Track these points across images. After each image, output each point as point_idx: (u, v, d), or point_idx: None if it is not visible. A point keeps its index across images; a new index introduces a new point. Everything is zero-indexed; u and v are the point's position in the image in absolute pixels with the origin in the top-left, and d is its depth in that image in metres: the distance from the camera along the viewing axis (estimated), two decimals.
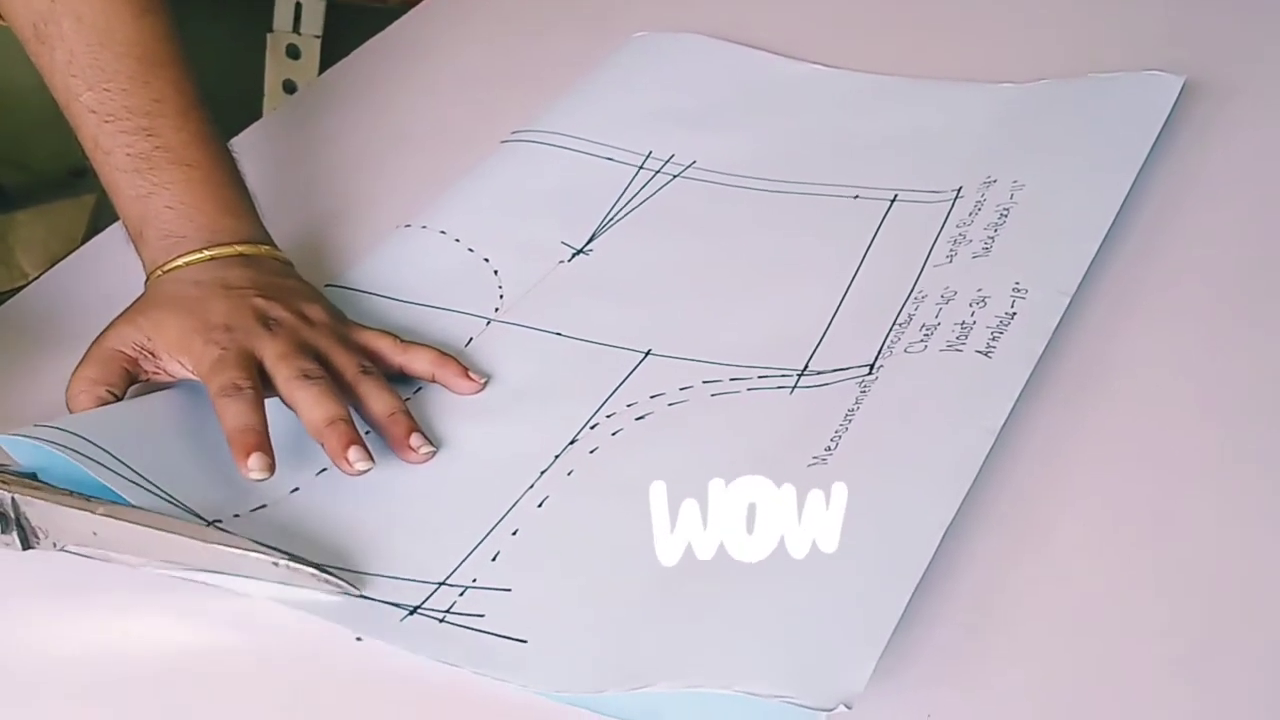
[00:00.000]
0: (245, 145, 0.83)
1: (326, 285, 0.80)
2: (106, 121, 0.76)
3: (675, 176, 0.88)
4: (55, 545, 0.64)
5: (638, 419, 0.71)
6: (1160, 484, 0.65)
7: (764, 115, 0.93)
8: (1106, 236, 0.77)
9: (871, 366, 0.71)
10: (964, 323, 0.71)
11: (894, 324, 0.73)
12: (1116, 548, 0.63)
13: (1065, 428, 0.68)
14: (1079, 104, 0.89)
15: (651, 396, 0.72)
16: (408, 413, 0.71)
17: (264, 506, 0.67)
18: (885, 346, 0.72)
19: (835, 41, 0.99)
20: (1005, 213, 0.79)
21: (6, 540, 0.63)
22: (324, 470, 0.69)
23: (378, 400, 0.71)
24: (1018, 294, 0.72)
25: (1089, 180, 0.81)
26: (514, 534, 0.65)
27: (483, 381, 0.74)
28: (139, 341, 0.72)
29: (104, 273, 0.82)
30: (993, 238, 0.77)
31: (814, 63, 0.97)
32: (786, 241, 0.82)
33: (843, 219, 0.83)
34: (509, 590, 0.63)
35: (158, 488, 0.66)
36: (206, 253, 0.75)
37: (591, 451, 0.69)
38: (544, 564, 0.64)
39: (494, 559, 0.64)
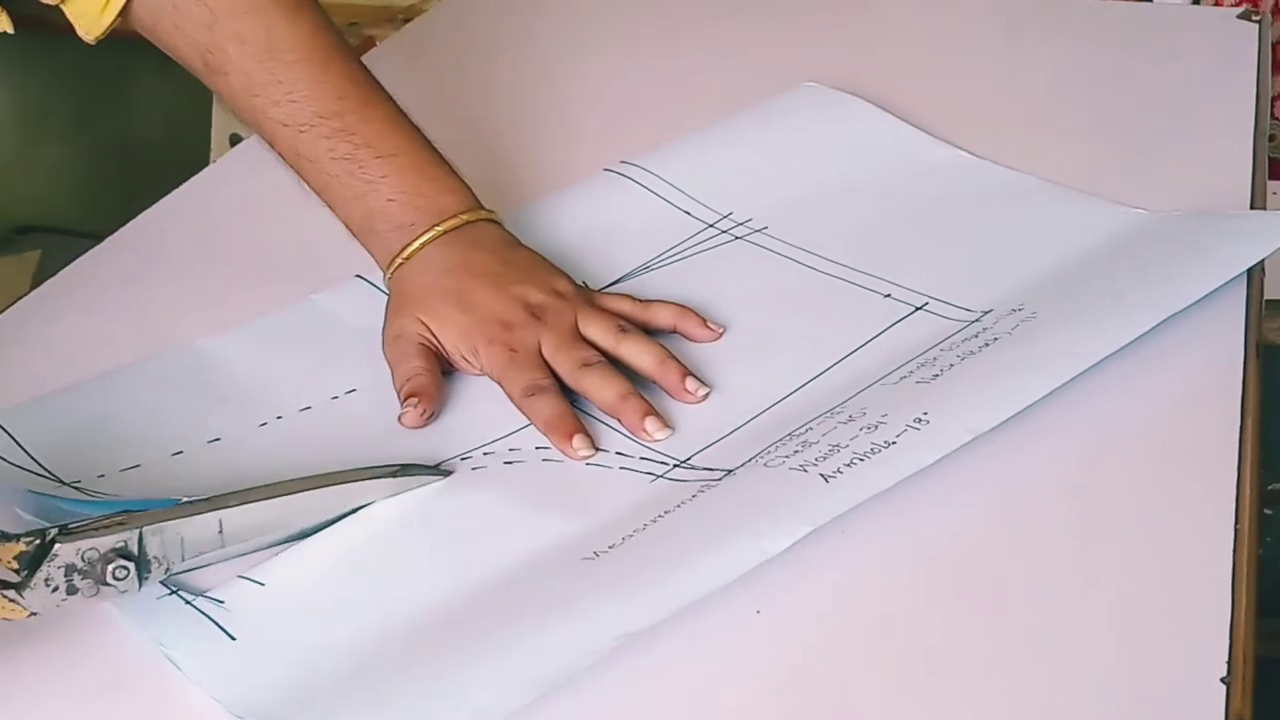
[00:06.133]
0: (192, 193, 0.84)
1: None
2: (302, 131, 0.78)
3: (737, 239, 0.85)
4: (167, 573, 0.63)
5: (506, 463, 0.70)
6: None
7: (874, 194, 0.88)
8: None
9: (728, 472, 0.67)
10: (837, 445, 0.65)
11: (787, 435, 0.68)
12: None
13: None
14: (1177, 238, 0.78)
15: (537, 447, 0.71)
16: (675, 358, 0.74)
17: (138, 466, 0.72)
18: (756, 455, 0.67)
19: (1002, 127, 0.93)
20: (990, 342, 0.71)
21: (124, 587, 0.61)
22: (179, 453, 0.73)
23: (643, 354, 0.74)
24: (915, 425, 0.65)
25: (1101, 320, 0.71)
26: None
27: (720, 330, 0.77)
28: (426, 336, 0.76)
29: (46, 324, 0.83)
30: (953, 365, 0.69)
31: (962, 149, 0.91)
32: (787, 326, 0.78)
33: (858, 316, 0.77)
34: (262, 585, 0.64)
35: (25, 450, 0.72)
36: (439, 228, 0.78)
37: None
38: (309, 577, 0.65)
39: (279, 553, 0.66)
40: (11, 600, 0.59)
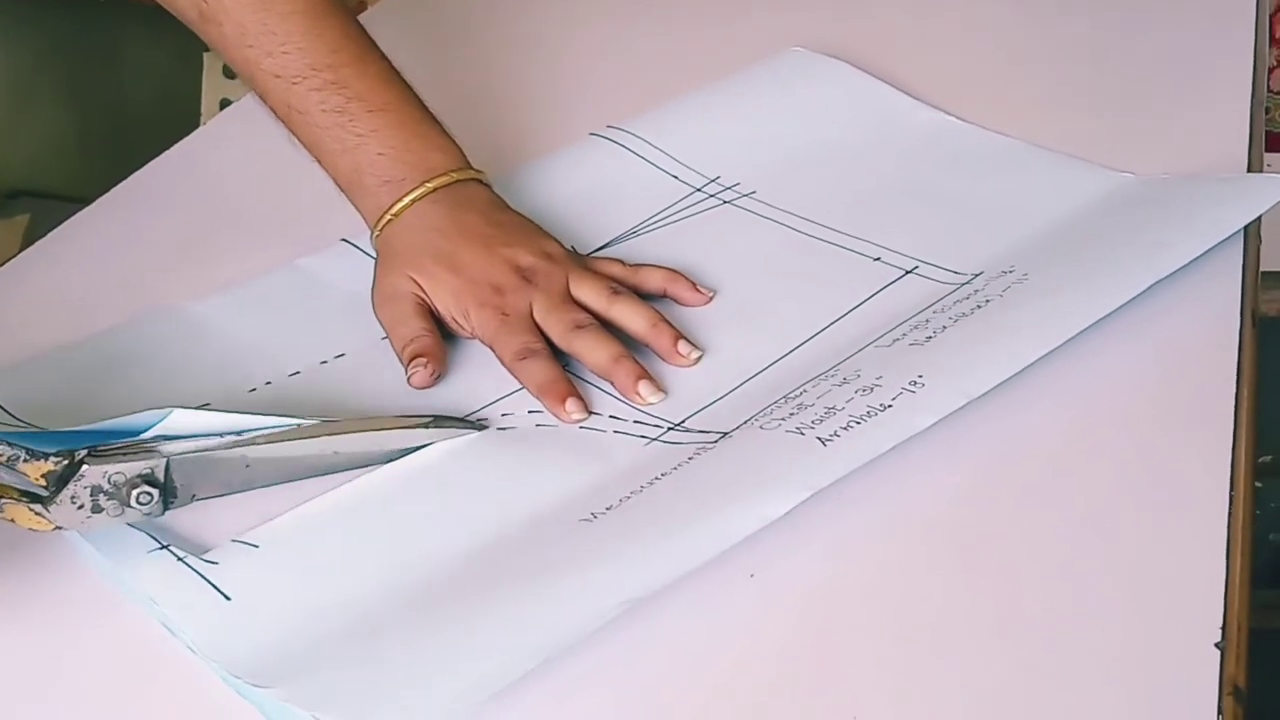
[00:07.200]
0: (180, 156, 0.83)
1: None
2: (294, 84, 0.78)
3: (725, 203, 0.85)
4: (193, 498, 0.64)
5: (499, 428, 0.70)
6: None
7: (862, 158, 0.87)
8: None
9: (724, 435, 0.66)
10: (833, 408, 0.64)
11: (782, 398, 0.67)
12: None
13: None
14: (1168, 201, 0.77)
15: (530, 411, 0.71)
16: (668, 321, 0.73)
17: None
18: (752, 418, 0.67)
19: (995, 93, 0.93)
20: (982, 304, 0.70)
21: (148, 511, 0.62)
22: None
23: (636, 316, 0.73)
24: (910, 388, 0.65)
25: (1093, 281, 0.70)
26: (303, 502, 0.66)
27: (710, 294, 0.76)
28: (420, 295, 0.76)
29: (34, 286, 0.83)
30: (946, 328, 0.69)
31: (948, 112, 0.90)
32: (777, 290, 0.77)
33: (848, 280, 0.76)
34: (256, 547, 0.63)
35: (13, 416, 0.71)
36: (428, 185, 0.78)
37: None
38: (304, 539, 0.64)
39: (272, 518, 0.65)
40: (38, 514, 0.60)
